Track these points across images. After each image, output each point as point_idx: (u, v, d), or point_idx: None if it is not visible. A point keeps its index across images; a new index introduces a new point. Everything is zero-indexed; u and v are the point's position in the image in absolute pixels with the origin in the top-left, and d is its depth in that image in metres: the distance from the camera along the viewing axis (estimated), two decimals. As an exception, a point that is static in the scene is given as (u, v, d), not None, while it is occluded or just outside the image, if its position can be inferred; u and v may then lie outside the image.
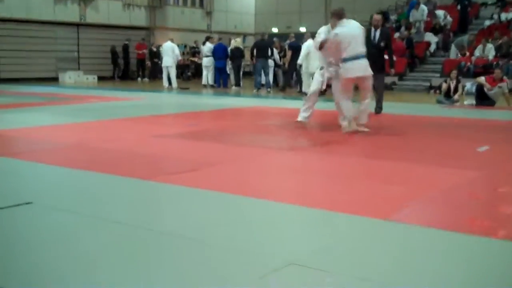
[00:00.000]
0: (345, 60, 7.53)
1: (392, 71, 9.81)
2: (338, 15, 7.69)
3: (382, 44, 9.34)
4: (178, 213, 3.74)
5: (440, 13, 22.13)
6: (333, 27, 7.67)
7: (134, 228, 3.35)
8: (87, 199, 4.08)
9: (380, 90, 9.76)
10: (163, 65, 19.54)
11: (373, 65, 7.83)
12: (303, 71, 15.69)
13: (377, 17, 9.38)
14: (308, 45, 15.21)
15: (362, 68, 7.57)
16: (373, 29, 9.47)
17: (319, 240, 3.20)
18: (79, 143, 6.64)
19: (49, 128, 8.11)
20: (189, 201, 4.05)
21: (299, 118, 8.21)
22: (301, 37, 17.10)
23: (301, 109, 8.27)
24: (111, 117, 9.49)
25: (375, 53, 8.65)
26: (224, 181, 4.71)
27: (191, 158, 5.78)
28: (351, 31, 7.57)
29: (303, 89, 16.05)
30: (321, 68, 7.95)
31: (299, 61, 15.51)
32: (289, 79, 18.75)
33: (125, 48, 24.81)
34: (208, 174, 4.99)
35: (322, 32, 7.79)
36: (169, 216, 3.67)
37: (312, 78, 13.80)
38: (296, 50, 16.68)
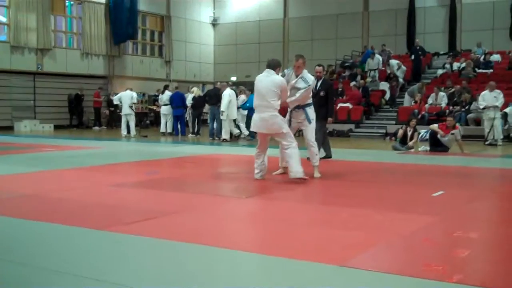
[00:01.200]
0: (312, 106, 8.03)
1: (330, 119, 10.01)
2: (305, 63, 7.97)
3: (322, 93, 9.61)
4: (132, 263, 3.66)
5: (393, 62, 22.81)
6: (299, 73, 7.86)
7: (87, 279, 3.26)
8: (40, 250, 3.97)
9: (318, 136, 9.83)
10: (122, 113, 19.48)
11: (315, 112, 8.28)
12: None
13: (319, 68, 9.81)
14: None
15: None
16: (314, 79, 9.76)
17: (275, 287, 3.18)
18: (34, 193, 6.49)
19: (2, 178, 7.92)
20: (144, 251, 3.98)
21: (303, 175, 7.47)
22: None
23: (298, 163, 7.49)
24: (68, 167, 9.33)
25: (316, 102, 8.87)
26: (181, 230, 4.65)
27: (148, 207, 5.70)
28: None
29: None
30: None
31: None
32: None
33: (77, 97, 24.63)
34: (165, 223, 4.93)
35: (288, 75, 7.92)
36: (123, 267, 3.59)
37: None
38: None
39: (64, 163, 9.98)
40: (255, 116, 7.65)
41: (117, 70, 26.96)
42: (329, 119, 10.04)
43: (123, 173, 8.94)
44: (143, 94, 26.80)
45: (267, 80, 7.48)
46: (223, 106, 16.27)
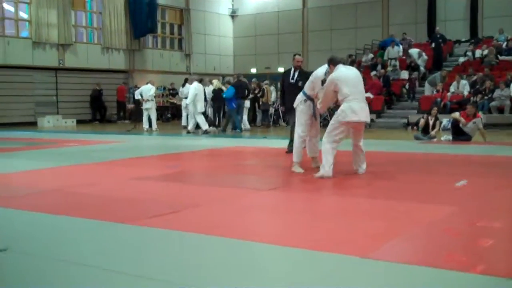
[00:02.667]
0: None
1: None
2: None
3: (300, 83, 9.46)
4: (156, 256, 3.70)
5: (414, 51, 22.54)
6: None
7: (112, 272, 3.31)
8: (65, 244, 4.03)
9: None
10: (143, 107, 19.59)
11: (290, 103, 8.56)
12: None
13: (299, 58, 9.70)
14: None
15: None
16: (292, 69, 9.69)
17: (299, 280, 3.19)
18: (58, 188, 6.58)
19: (27, 174, 8.03)
20: (167, 244, 4.02)
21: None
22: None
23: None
24: (91, 161, 9.43)
25: (292, 91, 8.94)
26: (204, 222, 4.69)
27: (171, 200, 5.75)
28: None
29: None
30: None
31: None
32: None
33: (99, 92, 24.83)
34: (188, 216, 4.97)
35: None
36: (147, 260, 3.63)
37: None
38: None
39: (87, 157, 10.08)
40: (353, 105, 7.12)
41: (137, 64, 27.10)
42: None
43: (146, 166, 9.00)
44: (164, 88, 26.90)
45: (353, 71, 7.54)
46: (188, 100, 16.60)
